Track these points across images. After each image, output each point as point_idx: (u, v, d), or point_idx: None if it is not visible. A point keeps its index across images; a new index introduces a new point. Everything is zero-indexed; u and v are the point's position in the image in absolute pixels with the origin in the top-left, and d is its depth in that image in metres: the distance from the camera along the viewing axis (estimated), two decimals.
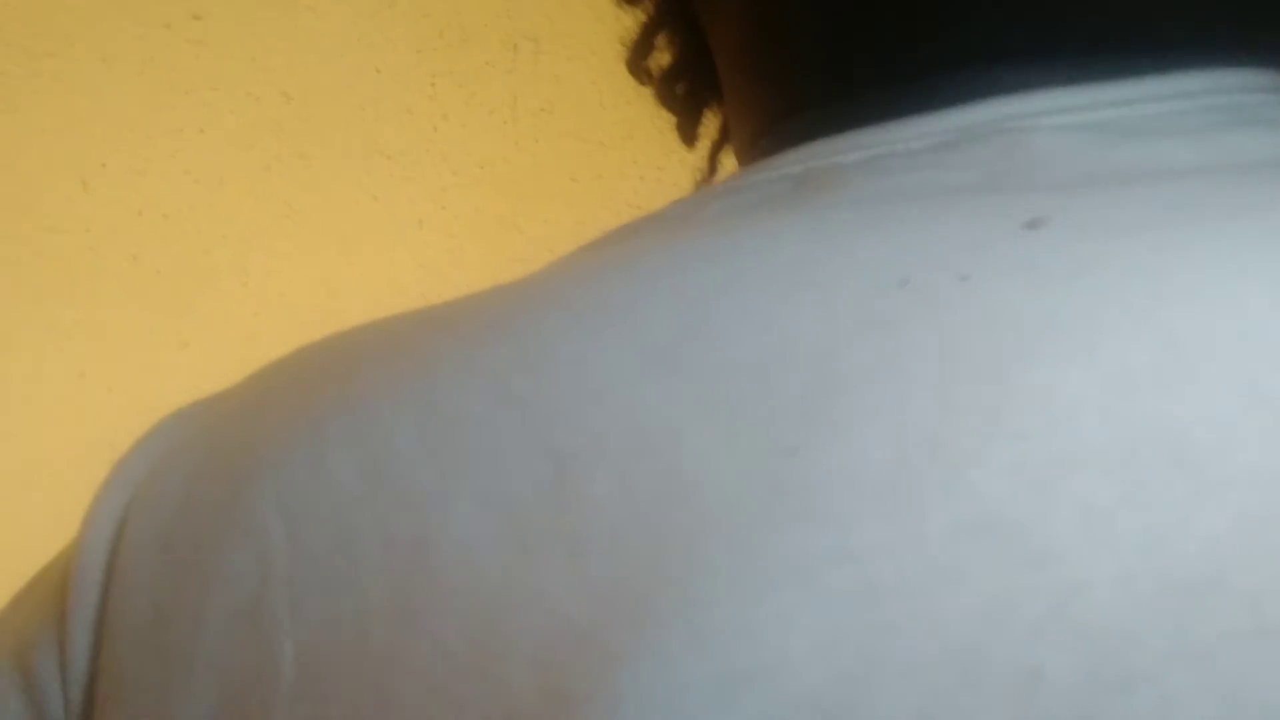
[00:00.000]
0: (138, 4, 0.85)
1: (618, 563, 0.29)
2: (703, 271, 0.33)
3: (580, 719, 0.28)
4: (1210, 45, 0.35)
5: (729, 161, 0.44)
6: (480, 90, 0.83)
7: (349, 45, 0.85)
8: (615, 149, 0.80)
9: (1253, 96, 0.35)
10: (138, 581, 0.35)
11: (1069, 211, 0.32)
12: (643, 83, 0.45)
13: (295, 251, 0.84)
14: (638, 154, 0.80)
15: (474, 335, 0.33)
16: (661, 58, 0.44)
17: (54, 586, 0.37)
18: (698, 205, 0.37)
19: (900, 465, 0.28)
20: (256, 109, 0.85)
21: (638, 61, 0.44)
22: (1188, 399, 0.28)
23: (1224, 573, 0.26)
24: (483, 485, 0.31)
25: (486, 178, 0.83)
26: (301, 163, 0.85)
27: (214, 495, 0.34)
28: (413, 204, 0.83)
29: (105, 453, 0.38)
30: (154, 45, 0.85)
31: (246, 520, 0.33)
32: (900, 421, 0.29)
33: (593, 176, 0.81)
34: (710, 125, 0.45)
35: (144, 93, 0.85)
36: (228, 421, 0.36)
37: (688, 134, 0.45)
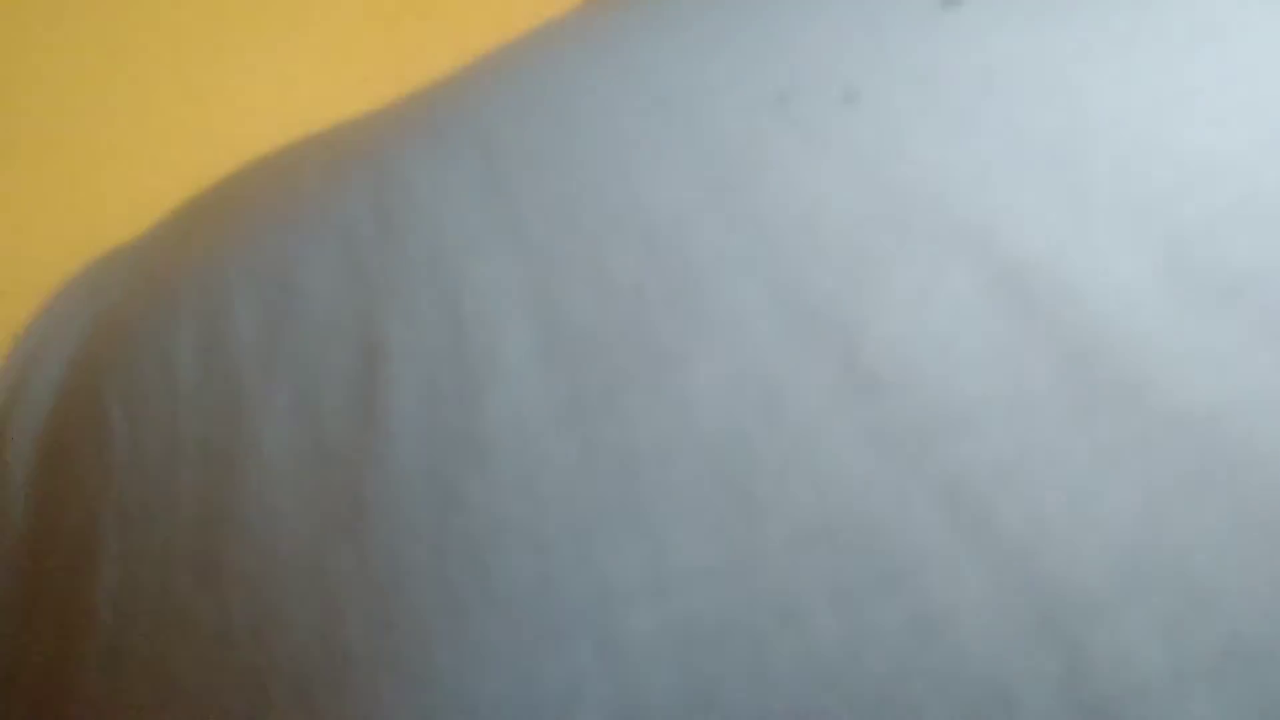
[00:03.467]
0: None
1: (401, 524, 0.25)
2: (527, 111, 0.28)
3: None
4: None
5: None
6: None
7: None
8: None
9: None
10: (13, 488, 0.30)
11: None
12: None
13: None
14: None
15: (334, 179, 0.29)
16: None
17: None
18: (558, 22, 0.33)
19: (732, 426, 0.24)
20: None
21: None
22: (1078, 260, 0.24)
23: None
24: (300, 385, 0.26)
25: None
26: None
27: (80, 387, 0.30)
28: None
29: None
30: None
31: (100, 418, 0.29)
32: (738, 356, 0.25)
33: None
34: None
35: None
36: (111, 284, 0.32)
37: None
